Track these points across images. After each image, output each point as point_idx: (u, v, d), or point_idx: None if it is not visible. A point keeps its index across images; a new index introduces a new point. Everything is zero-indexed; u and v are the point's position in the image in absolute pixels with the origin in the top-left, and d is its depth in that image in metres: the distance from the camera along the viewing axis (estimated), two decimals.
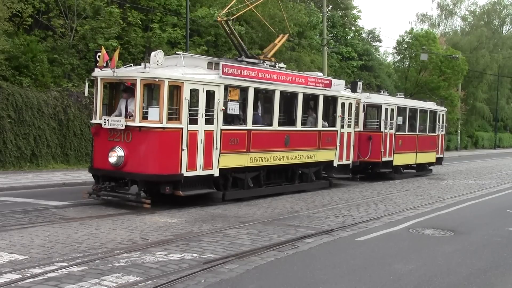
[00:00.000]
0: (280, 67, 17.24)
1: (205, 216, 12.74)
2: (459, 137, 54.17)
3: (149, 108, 13.53)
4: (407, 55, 48.66)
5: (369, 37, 53.00)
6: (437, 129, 27.24)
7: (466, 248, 10.54)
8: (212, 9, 27.91)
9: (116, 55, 13.39)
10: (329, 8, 44.18)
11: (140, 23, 25.70)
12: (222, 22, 16.34)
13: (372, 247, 10.30)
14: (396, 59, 53.32)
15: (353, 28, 49.04)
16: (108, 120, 13.23)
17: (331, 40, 41.47)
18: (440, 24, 71.61)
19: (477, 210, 15.75)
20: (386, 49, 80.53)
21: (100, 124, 13.37)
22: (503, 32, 73.64)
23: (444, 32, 68.59)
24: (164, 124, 12.84)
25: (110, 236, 10.14)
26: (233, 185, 15.11)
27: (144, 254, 8.88)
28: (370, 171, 22.95)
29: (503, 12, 72.91)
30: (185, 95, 13.06)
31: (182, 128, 13.04)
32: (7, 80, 19.96)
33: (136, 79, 12.98)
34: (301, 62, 33.76)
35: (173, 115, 13.13)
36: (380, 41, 54.05)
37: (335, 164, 18.95)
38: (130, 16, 25.10)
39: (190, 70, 13.71)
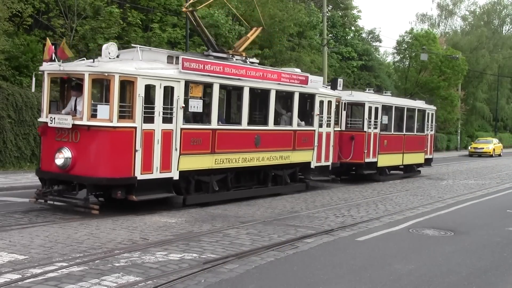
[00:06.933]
0: (252, 62, 16.00)
1: (205, 216, 12.74)
2: (459, 137, 54.20)
3: (98, 106, 12.31)
4: (407, 55, 48.73)
5: (369, 37, 53.07)
6: (425, 128, 26.19)
7: (466, 248, 10.54)
8: (212, 9, 27.92)
9: (63, 45, 12.58)
10: (329, 8, 44.24)
11: (140, 23, 25.72)
12: (188, 12, 15.15)
13: (372, 247, 10.30)
14: (396, 59, 53.44)
15: (353, 28, 49.11)
16: (54, 118, 12.12)
17: (331, 40, 41.51)
18: (440, 24, 71.83)
19: (477, 210, 15.75)
20: (386, 49, 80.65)
21: (47, 123, 12.36)
22: (503, 32, 73.74)
23: (444, 32, 68.73)
24: (115, 123, 11.84)
25: (110, 236, 10.13)
26: (197, 189, 14.04)
27: (144, 254, 8.87)
28: (354, 172, 22.00)
29: (503, 12, 73.03)
30: (139, 91, 12.09)
31: (135, 127, 12.04)
32: (7, 80, 19.98)
33: (84, 74, 11.92)
34: (301, 62, 33.76)
35: (126, 113, 12.08)
36: (380, 41, 54.22)
37: (312, 166, 17.82)
38: (130, 16, 25.13)
39: (146, 64, 12.69)
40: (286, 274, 8.20)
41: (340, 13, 47.62)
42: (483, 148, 46.91)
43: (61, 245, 9.26)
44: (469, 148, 48.56)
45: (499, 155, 47.86)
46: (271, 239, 10.49)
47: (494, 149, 47.20)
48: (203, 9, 28.06)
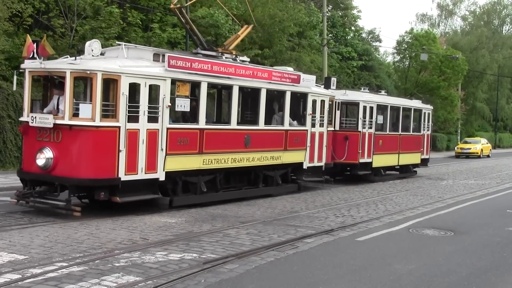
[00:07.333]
0: (242, 61, 15.68)
1: (205, 216, 12.74)
2: (459, 137, 54.21)
3: (80, 104, 11.87)
4: (407, 55, 48.77)
5: (369, 37, 53.06)
6: (422, 128, 25.81)
7: (466, 248, 10.54)
8: (212, 9, 27.91)
9: (44, 42, 12.42)
10: (329, 8, 44.23)
11: (140, 23, 25.73)
12: (176, 10, 14.81)
13: (372, 247, 10.30)
14: (396, 59, 53.49)
15: (353, 28, 49.11)
16: (35, 117, 11.80)
17: (331, 40, 41.50)
18: (440, 24, 71.97)
19: (477, 210, 15.75)
20: (386, 49, 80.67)
21: (28, 122, 12.02)
22: (503, 32, 73.87)
23: (444, 32, 68.87)
24: (98, 122, 11.51)
25: (110, 236, 10.14)
26: (184, 190, 13.70)
27: (144, 254, 8.87)
28: (349, 173, 21.44)
29: (503, 12, 73.16)
30: (123, 89, 11.74)
31: (119, 127, 11.72)
32: (7, 80, 19.98)
33: (65, 72, 11.62)
34: (301, 62, 33.76)
35: (109, 112, 11.78)
36: (380, 41, 54.21)
37: (305, 166, 17.45)
38: (130, 16, 25.14)
39: (131, 62, 12.39)
40: (286, 274, 8.20)
41: (340, 13, 47.62)
42: (470, 148, 44.68)
43: (61, 245, 9.26)
44: (456, 148, 46.26)
45: (488, 156, 45.73)
46: (271, 239, 10.50)
47: (482, 150, 44.97)
48: (203, 9, 28.25)
